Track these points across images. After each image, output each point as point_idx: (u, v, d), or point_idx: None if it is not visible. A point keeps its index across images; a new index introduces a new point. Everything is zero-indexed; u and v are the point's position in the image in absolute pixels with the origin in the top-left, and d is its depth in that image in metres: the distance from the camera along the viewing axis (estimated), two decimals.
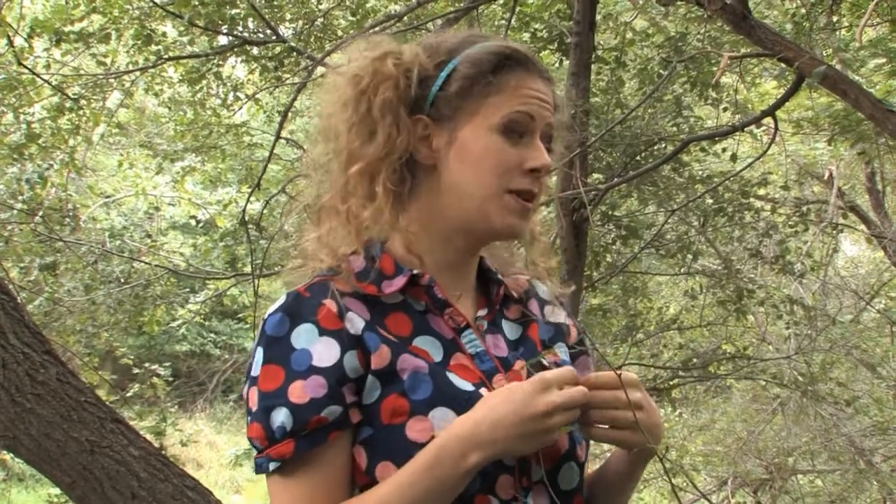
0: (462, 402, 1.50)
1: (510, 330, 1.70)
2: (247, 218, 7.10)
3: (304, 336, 1.51)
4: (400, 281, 1.59)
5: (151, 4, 7.34)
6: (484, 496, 1.51)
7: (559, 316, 1.82)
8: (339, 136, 1.63)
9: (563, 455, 1.60)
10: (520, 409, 1.42)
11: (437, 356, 1.58)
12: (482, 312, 1.68)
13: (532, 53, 1.63)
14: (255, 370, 1.53)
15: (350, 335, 1.52)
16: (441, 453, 1.44)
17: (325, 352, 1.50)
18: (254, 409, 1.52)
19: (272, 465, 1.50)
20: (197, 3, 7.01)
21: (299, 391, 1.47)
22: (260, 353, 1.53)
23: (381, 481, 1.50)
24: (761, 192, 8.49)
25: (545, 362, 1.57)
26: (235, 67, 9.67)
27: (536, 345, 1.71)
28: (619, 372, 1.52)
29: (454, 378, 1.55)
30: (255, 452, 1.54)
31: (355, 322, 1.53)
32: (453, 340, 1.61)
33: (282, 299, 1.57)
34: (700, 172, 7.74)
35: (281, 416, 1.48)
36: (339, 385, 1.49)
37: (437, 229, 1.63)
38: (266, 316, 1.56)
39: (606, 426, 1.54)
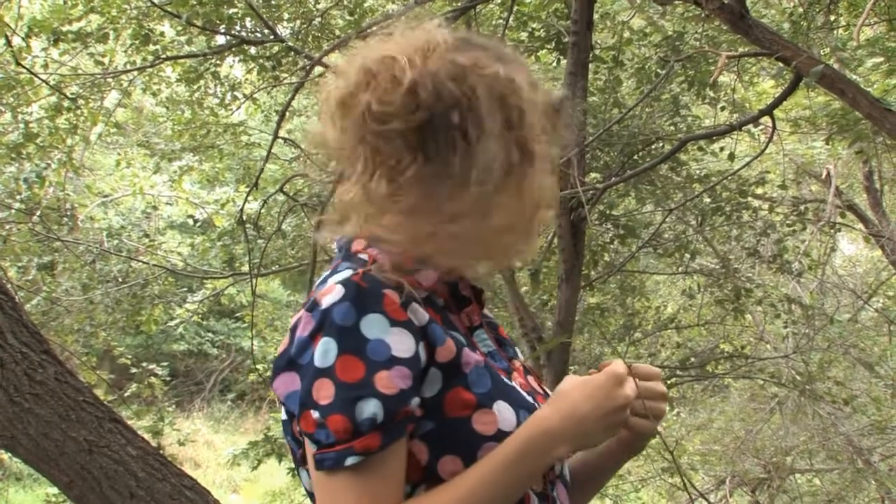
0: (512, 395, 1.54)
1: (491, 330, 1.73)
2: (244, 217, 7.11)
3: (375, 326, 1.44)
4: (433, 275, 1.58)
5: (149, 4, 7.33)
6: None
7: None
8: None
9: None
10: (604, 403, 1.50)
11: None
12: (476, 312, 1.70)
13: None
14: (326, 361, 1.44)
15: (416, 327, 1.48)
16: (527, 448, 1.47)
17: (399, 343, 1.45)
18: (330, 401, 1.43)
19: (350, 460, 1.42)
20: (195, 2, 7.00)
21: (386, 381, 1.42)
22: (331, 343, 1.44)
23: (443, 476, 1.48)
24: (759, 191, 8.49)
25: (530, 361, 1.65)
26: (233, 67, 9.67)
27: (510, 341, 1.76)
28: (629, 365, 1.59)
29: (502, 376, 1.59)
30: (312, 448, 1.46)
31: (419, 314, 1.49)
32: (468, 338, 1.62)
33: (339, 289, 1.48)
34: (698, 171, 7.74)
35: (371, 408, 1.41)
36: (420, 375, 1.47)
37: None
38: (327, 306, 1.47)
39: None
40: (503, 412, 1.50)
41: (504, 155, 1.46)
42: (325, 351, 1.44)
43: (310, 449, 1.47)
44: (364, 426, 1.41)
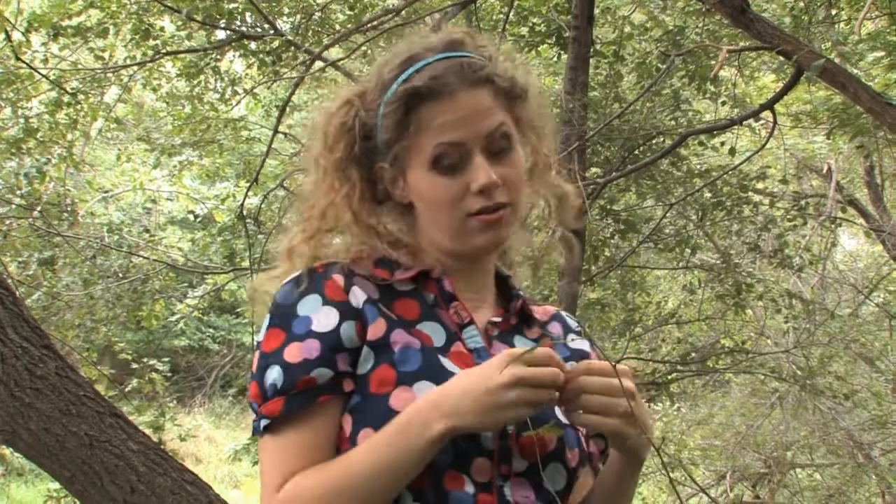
0: (445, 378, 1.53)
1: (523, 345, 1.70)
2: (245, 212, 7.11)
3: (308, 304, 1.57)
4: (412, 270, 1.66)
5: None
6: (457, 473, 1.53)
7: (583, 344, 1.83)
8: (311, 192, 1.72)
9: (550, 454, 1.60)
10: (484, 380, 1.44)
11: (438, 342, 1.62)
12: (496, 319, 1.71)
13: (451, 63, 1.63)
14: (261, 335, 1.60)
15: (351, 307, 1.58)
16: (411, 419, 1.47)
17: (324, 318, 1.55)
18: (254, 370, 1.59)
19: (262, 423, 1.55)
20: None
21: (294, 351, 1.54)
22: (267, 318, 1.60)
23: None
24: (760, 185, 8.49)
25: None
26: (233, 62, 9.66)
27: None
28: (614, 363, 1.52)
29: (447, 362, 1.58)
30: (252, 416, 1.60)
31: (358, 295, 1.59)
32: (456, 333, 1.64)
33: (296, 272, 1.64)
34: (698, 166, 7.74)
35: (273, 374, 1.54)
36: (333, 352, 1.54)
37: (437, 248, 1.68)
38: (279, 286, 1.63)
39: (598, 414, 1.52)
40: (423, 391, 1.51)
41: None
42: (263, 326, 1.61)
43: None
44: (269, 392, 1.54)
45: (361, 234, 1.67)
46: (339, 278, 1.60)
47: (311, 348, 1.53)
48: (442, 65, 1.61)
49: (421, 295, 1.66)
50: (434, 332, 1.62)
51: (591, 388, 1.50)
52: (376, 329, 1.57)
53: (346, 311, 1.57)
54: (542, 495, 1.59)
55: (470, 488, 1.53)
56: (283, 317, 1.57)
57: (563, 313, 1.88)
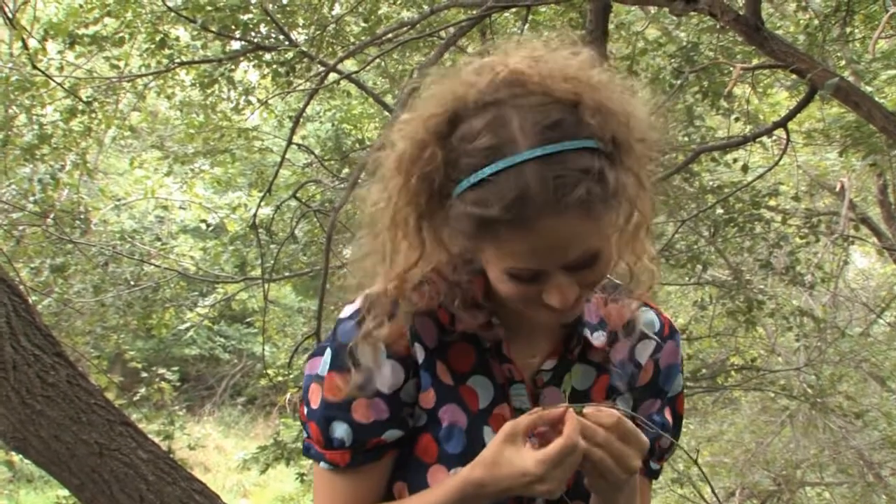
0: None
1: (583, 376, 1.66)
2: (257, 222, 7.12)
3: (371, 353, 1.53)
4: (472, 323, 1.57)
5: (165, 9, 7.35)
6: None
7: (646, 352, 1.73)
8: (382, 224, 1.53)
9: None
10: (516, 479, 1.43)
11: (485, 401, 1.60)
12: (549, 365, 1.64)
13: (541, 179, 1.35)
14: (323, 370, 1.57)
15: (413, 362, 1.57)
16: (461, 501, 1.49)
17: (389, 376, 1.54)
18: (314, 407, 1.57)
19: (323, 465, 1.58)
20: (210, 7, 7.02)
21: (363, 410, 1.54)
22: (329, 355, 1.57)
23: (395, 494, 1.61)
24: (772, 202, 8.48)
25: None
26: (247, 72, 9.68)
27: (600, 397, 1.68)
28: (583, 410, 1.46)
29: (488, 434, 1.58)
30: (303, 436, 1.62)
31: (418, 353, 1.57)
32: (503, 387, 1.61)
33: (357, 303, 1.58)
34: (711, 183, 7.73)
35: (341, 431, 1.55)
36: (399, 410, 1.56)
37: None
38: (340, 318, 1.59)
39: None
40: None
41: None
42: (325, 361, 1.57)
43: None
44: (335, 444, 1.56)
45: (440, 286, 1.57)
46: (404, 328, 1.55)
47: (381, 409, 1.54)
48: (529, 176, 1.35)
49: (479, 341, 1.61)
50: (483, 389, 1.60)
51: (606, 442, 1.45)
52: (427, 399, 1.57)
53: (409, 368, 1.56)
54: None
55: None
56: (346, 361, 1.53)
57: (643, 311, 1.73)
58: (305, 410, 1.59)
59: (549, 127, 1.38)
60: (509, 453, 1.42)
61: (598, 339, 1.65)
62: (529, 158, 1.35)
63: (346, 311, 1.58)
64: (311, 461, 1.64)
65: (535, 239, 1.37)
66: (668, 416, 1.76)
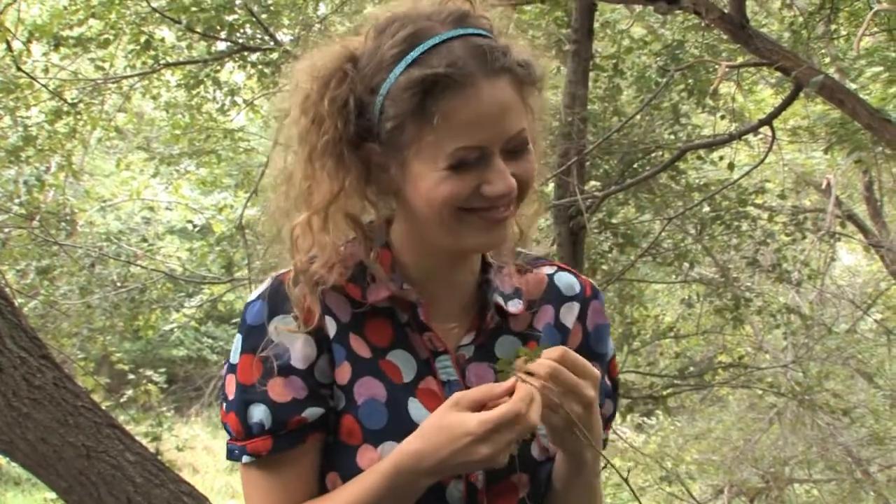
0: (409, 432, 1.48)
1: (509, 347, 1.59)
2: (243, 223, 7.11)
3: (283, 331, 1.50)
4: (384, 292, 1.55)
5: (149, 10, 7.33)
6: None
7: (571, 315, 1.68)
8: (293, 172, 1.55)
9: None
10: (453, 440, 1.38)
11: (409, 375, 1.55)
12: (467, 340, 1.60)
13: (469, 46, 1.43)
14: (234, 357, 1.53)
15: (325, 337, 1.52)
16: (397, 480, 1.44)
17: (301, 350, 1.50)
18: (231, 397, 1.52)
19: (245, 458, 1.51)
20: (195, 8, 7.01)
21: (279, 388, 1.48)
22: (238, 340, 1.53)
23: (329, 487, 1.53)
24: (758, 200, 8.49)
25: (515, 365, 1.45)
26: (233, 73, 9.67)
27: None
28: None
29: (415, 407, 1.53)
30: (227, 437, 1.54)
31: (329, 328, 1.53)
32: (427, 361, 1.57)
33: (264, 285, 1.55)
34: (697, 180, 7.75)
35: (259, 413, 1.49)
36: (317, 388, 1.51)
37: (419, 246, 1.56)
38: (247, 301, 1.55)
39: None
40: (389, 451, 1.47)
41: None
42: (235, 348, 1.53)
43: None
44: (254, 430, 1.49)
45: (354, 233, 1.56)
46: (312, 301, 1.51)
47: (297, 387, 1.49)
48: (459, 47, 1.42)
49: (395, 315, 1.57)
50: (405, 364, 1.55)
51: (552, 378, 1.40)
52: (342, 374, 1.52)
53: (321, 342, 1.51)
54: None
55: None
56: (258, 341, 1.49)
57: (559, 274, 1.71)
58: (224, 407, 1.53)
59: (461, 17, 1.47)
60: (452, 418, 1.39)
61: (513, 306, 1.61)
62: (454, 36, 1.44)
63: (252, 294, 1.56)
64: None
65: (477, 105, 1.40)
66: (606, 380, 1.69)
